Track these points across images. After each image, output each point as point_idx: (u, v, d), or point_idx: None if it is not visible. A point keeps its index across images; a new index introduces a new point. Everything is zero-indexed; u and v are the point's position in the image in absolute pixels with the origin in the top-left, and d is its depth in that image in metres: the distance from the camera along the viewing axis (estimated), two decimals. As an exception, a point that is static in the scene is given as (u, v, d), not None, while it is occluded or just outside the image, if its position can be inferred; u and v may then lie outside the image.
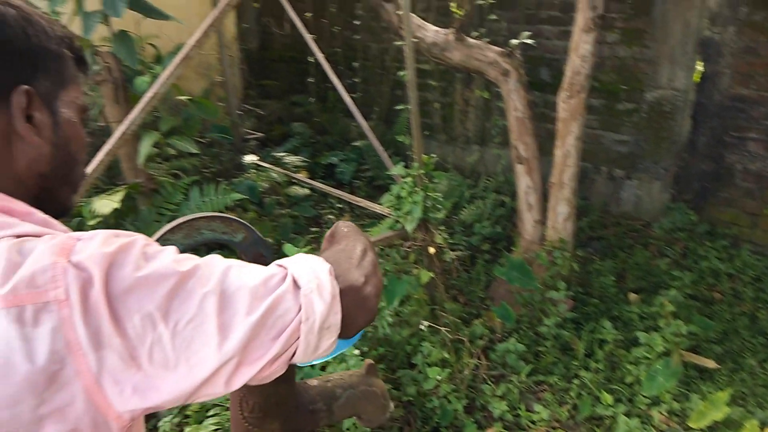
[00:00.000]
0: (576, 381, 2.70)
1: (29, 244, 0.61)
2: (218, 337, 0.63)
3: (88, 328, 0.59)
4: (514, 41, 3.72)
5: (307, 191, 4.10)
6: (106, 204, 3.05)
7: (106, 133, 3.22)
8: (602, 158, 4.43)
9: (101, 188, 3.70)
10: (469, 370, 2.72)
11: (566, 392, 2.69)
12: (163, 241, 1.12)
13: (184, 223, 1.11)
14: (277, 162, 4.46)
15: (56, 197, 0.78)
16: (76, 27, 3.50)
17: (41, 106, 0.74)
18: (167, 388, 0.63)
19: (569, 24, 3.35)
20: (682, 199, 4.15)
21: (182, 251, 0.70)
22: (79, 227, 3.00)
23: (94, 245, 0.62)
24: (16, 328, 0.57)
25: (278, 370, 0.71)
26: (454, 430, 2.48)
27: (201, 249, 2.08)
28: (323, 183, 4.18)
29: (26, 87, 0.71)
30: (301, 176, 3.96)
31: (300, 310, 0.69)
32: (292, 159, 4.56)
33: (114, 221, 3.13)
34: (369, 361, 1.42)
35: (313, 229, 3.99)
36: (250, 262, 0.80)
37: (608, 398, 2.47)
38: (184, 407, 2.25)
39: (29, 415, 0.58)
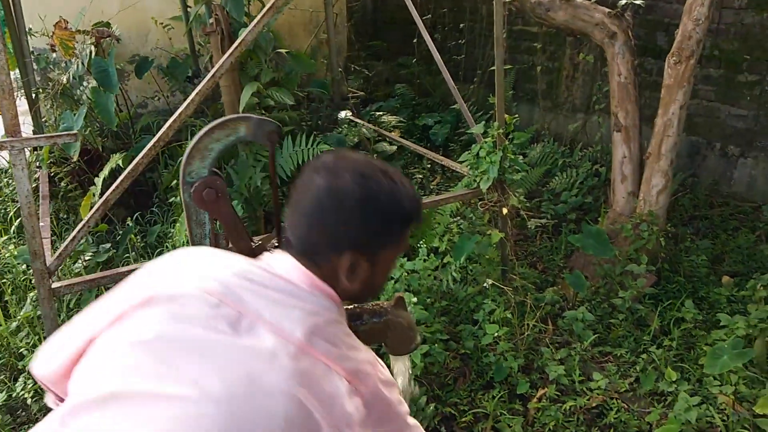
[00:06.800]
0: (644, 356, 2.61)
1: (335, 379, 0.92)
2: None
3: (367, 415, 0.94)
4: (623, 2, 3.52)
5: (394, 148, 4.18)
6: (209, 147, 3.32)
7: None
8: (716, 133, 4.09)
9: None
10: (531, 332, 2.72)
11: (632, 366, 2.61)
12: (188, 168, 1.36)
13: (194, 150, 1.28)
14: (375, 120, 4.58)
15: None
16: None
17: (364, 262, 0.99)
18: None
19: (692, -14, 3.11)
20: (805, 182, 3.76)
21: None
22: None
23: (372, 378, 0.99)
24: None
25: None
26: (507, 387, 2.51)
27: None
28: (416, 143, 4.24)
29: (353, 253, 0.97)
30: (393, 135, 4.05)
31: None
32: (389, 118, 4.66)
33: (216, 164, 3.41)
34: (399, 294, 1.50)
35: (400, 186, 4.08)
36: (268, 144, 1.25)
37: (672, 374, 2.37)
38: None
39: None
